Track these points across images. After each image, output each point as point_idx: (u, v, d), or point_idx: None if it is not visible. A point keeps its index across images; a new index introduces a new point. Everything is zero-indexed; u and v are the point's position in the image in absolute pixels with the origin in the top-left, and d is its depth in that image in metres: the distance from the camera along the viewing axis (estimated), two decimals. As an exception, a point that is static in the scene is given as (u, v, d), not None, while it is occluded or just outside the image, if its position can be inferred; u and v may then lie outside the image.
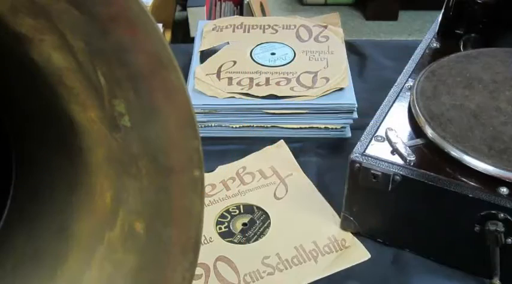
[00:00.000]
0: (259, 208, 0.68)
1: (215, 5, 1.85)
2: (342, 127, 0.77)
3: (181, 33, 1.92)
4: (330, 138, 0.77)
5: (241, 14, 1.84)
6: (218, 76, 0.79)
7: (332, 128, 0.77)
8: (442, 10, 0.77)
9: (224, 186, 0.71)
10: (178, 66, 0.37)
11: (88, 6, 0.35)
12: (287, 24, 0.90)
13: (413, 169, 0.57)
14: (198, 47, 0.85)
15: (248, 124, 0.77)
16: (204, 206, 0.41)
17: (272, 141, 0.77)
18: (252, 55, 0.83)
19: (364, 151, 0.59)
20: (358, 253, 0.62)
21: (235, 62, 0.81)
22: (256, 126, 0.77)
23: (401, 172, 0.57)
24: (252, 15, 1.77)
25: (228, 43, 0.86)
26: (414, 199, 0.58)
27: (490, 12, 0.75)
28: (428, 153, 0.59)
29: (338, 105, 0.75)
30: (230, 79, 0.78)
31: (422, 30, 2.26)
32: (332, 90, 0.76)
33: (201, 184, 0.40)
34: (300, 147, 0.76)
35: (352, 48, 0.93)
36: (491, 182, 0.55)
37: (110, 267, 0.45)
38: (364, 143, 0.60)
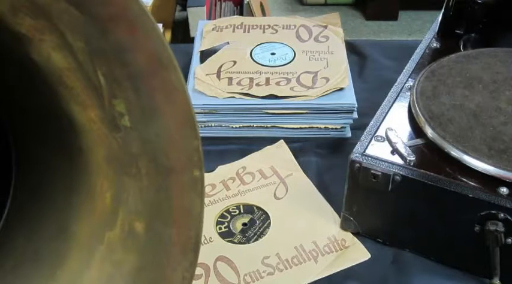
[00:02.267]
0: (259, 208, 0.68)
1: (215, 5, 1.85)
2: (342, 127, 0.77)
3: (181, 33, 1.92)
4: (330, 138, 0.77)
5: (241, 14, 1.84)
6: (218, 76, 0.79)
7: (332, 128, 0.77)
8: (442, 10, 0.77)
9: (224, 186, 0.71)
10: (178, 66, 0.37)
11: (88, 6, 0.35)
12: (287, 24, 0.90)
13: (413, 169, 0.57)
14: (198, 47, 0.85)
15: (248, 124, 0.77)
16: (204, 206, 0.41)
17: (272, 141, 0.77)
18: (252, 55, 0.83)
19: (364, 151, 0.59)
20: (358, 253, 0.62)
21: (235, 62, 0.81)
22: (256, 126, 0.77)
23: (401, 172, 0.57)
24: (252, 15, 1.76)
25: (228, 43, 0.86)
26: (414, 199, 0.58)
27: (490, 12, 0.75)
28: (428, 153, 0.59)
29: (338, 105, 0.75)
30: (230, 79, 0.78)
31: (422, 30, 2.26)
32: (332, 90, 0.76)
33: (201, 184, 0.40)
34: (300, 147, 0.76)
35: (352, 48, 0.93)
36: (491, 182, 0.55)
37: (110, 267, 0.45)
38: (364, 143, 0.60)
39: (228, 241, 0.64)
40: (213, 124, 0.77)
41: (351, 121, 0.77)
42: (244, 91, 0.76)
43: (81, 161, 0.45)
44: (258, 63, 0.81)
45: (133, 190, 0.43)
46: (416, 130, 0.61)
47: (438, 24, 0.78)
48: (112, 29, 0.36)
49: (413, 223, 0.60)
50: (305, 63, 0.81)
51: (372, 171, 0.58)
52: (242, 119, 0.77)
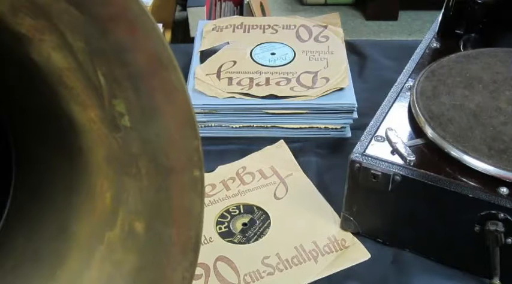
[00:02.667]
0: (259, 208, 0.68)
1: (215, 5, 1.85)
2: (342, 127, 0.77)
3: (181, 33, 1.92)
4: (330, 138, 0.77)
5: (241, 14, 1.84)
6: (218, 76, 0.79)
7: (332, 128, 0.77)
8: (442, 10, 0.77)
9: (224, 186, 0.71)
10: (178, 66, 0.37)
11: (88, 6, 0.35)
12: (287, 24, 0.90)
13: (413, 169, 0.57)
14: (198, 47, 0.85)
15: (248, 124, 0.77)
16: (204, 206, 0.41)
17: (272, 141, 0.77)
18: (252, 55, 0.83)
19: (364, 151, 0.59)
20: (358, 253, 0.62)
21: (235, 62, 0.81)
22: (256, 126, 0.77)
23: (401, 172, 0.57)
24: (252, 15, 1.76)
25: (228, 43, 0.86)
26: (414, 199, 0.58)
27: (490, 12, 0.75)
28: (428, 153, 0.59)
29: (338, 105, 0.75)
30: (230, 79, 0.78)
31: (422, 30, 2.26)
32: (332, 90, 0.76)
33: (201, 184, 0.40)
34: (300, 147, 0.76)
35: (352, 48, 0.93)
36: (491, 182, 0.55)
37: (110, 267, 0.45)
38: (364, 143, 0.60)
39: (228, 241, 0.64)
40: (213, 124, 0.77)
41: (351, 121, 0.77)
42: (244, 91, 0.76)
43: (81, 161, 0.45)
44: (258, 63, 0.81)
45: (133, 190, 0.43)
46: (416, 130, 0.61)
47: (438, 24, 0.78)
48: (112, 29, 0.36)
49: (413, 223, 0.60)
50: (305, 63, 0.81)
51: (372, 171, 0.58)
52: (242, 119, 0.77)
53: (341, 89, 0.76)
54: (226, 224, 0.66)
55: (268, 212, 0.67)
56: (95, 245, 0.46)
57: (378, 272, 0.61)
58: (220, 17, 1.79)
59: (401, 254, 0.62)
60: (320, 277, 0.60)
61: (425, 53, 0.74)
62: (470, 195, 0.55)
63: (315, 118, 0.76)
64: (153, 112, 0.38)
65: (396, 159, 0.59)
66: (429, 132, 0.59)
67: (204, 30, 0.89)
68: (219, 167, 0.73)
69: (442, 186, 0.56)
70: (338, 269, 0.61)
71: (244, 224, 0.66)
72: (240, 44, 0.85)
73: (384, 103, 0.66)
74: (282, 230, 0.65)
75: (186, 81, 0.79)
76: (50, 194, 0.48)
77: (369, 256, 0.62)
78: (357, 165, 0.59)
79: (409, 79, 0.69)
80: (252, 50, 0.84)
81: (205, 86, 0.77)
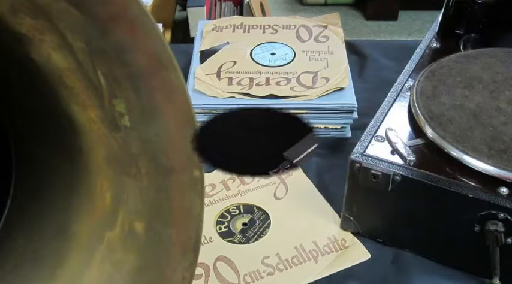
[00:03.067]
0: (259, 208, 0.68)
1: (215, 5, 1.85)
2: (342, 127, 0.77)
3: (181, 33, 1.92)
4: (330, 138, 0.77)
5: (241, 14, 1.84)
6: (218, 76, 0.79)
7: (332, 128, 0.77)
8: (442, 10, 0.77)
9: (224, 186, 0.71)
10: (178, 66, 0.37)
11: (88, 6, 0.35)
12: (287, 24, 0.90)
13: (413, 169, 0.57)
14: (198, 47, 0.85)
15: (248, 124, 0.77)
16: (204, 206, 0.41)
17: (272, 141, 0.77)
18: (252, 55, 0.83)
19: (364, 151, 0.59)
20: (358, 253, 0.62)
21: (235, 62, 0.81)
22: (256, 126, 0.77)
23: (401, 172, 0.57)
24: (252, 15, 1.76)
25: (228, 43, 0.86)
26: (414, 199, 0.58)
27: (490, 12, 0.75)
28: (428, 153, 0.59)
29: (338, 105, 0.75)
30: (230, 79, 0.78)
31: (422, 30, 2.26)
32: (332, 90, 0.76)
33: (201, 184, 0.40)
34: (300, 147, 0.76)
35: (352, 48, 0.93)
36: (491, 182, 0.55)
37: (110, 267, 0.45)
38: (364, 143, 0.60)
39: (228, 241, 0.64)
40: (213, 124, 0.77)
41: (351, 121, 0.77)
42: (244, 91, 0.76)
43: (81, 161, 0.45)
44: (258, 63, 0.81)
45: (133, 190, 0.43)
46: (416, 130, 0.61)
47: (438, 24, 0.78)
48: (112, 29, 0.36)
49: (413, 223, 0.60)
50: (305, 63, 0.81)
51: (372, 171, 0.58)
52: (242, 119, 0.77)
53: (341, 89, 0.76)
54: (226, 224, 0.66)
55: (268, 212, 0.67)
56: (95, 245, 0.46)
57: (378, 272, 0.61)
58: (220, 17, 1.79)
59: (401, 254, 0.62)
60: (320, 277, 0.60)
61: (425, 53, 0.74)
62: (470, 195, 0.55)
63: (315, 118, 0.76)
64: (153, 112, 0.39)
65: (396, 159, 0.59)
66: (429, 132, 0.59)
67: (204, 30, 0.89)
68: (219, 167, 0.73)
69: (442, 186, 0.56)
70: (338, 269, 0.61)
71: (244, 224, 0.66)
72: (240, 44, 0.85)
73: (383, 103, 0.66)
74: (282, 230, 0.65)
75: (186, 81, 0.79)
76: (50, 194, 0.48)
77: (369, 256, 0.62)
78: (357, 165, 0.59)
79: (409, 79, 0.69)
80: (252, 50, 0.84)
81: (205, 86, 0.77)
